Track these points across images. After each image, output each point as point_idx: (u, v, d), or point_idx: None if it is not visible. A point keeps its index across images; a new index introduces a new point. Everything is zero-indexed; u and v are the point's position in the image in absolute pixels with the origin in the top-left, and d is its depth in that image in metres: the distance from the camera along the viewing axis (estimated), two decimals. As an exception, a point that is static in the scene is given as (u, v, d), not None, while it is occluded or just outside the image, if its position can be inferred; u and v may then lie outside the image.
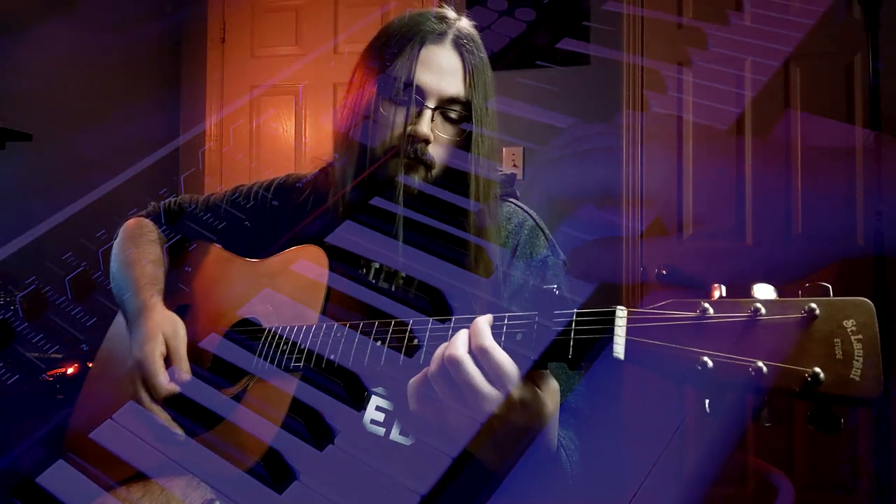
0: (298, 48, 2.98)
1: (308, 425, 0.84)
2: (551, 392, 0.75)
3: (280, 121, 3.00)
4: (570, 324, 0.69)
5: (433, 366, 0.73)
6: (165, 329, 1.02)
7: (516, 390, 0.71)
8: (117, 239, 1.24)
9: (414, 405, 0.75)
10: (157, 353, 0.99)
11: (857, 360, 0.54)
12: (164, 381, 0.97)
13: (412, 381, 0.75)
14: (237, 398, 0.94)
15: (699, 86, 2.49)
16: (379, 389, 0.95)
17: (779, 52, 2.36)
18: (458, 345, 0.71)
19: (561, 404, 0.94)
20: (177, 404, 0.97)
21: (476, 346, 0.70)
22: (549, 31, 2.63)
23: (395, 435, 0.93)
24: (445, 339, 0.76)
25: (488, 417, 0.71)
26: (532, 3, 2.64)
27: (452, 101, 0.99)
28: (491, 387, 0.70)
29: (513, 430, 0.73)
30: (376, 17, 2.81)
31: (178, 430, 0.95)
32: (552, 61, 2.62)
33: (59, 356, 1.95)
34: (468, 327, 0.74)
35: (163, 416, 0.97)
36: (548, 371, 0.75)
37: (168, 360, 1.00)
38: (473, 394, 0.70)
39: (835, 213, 2.31)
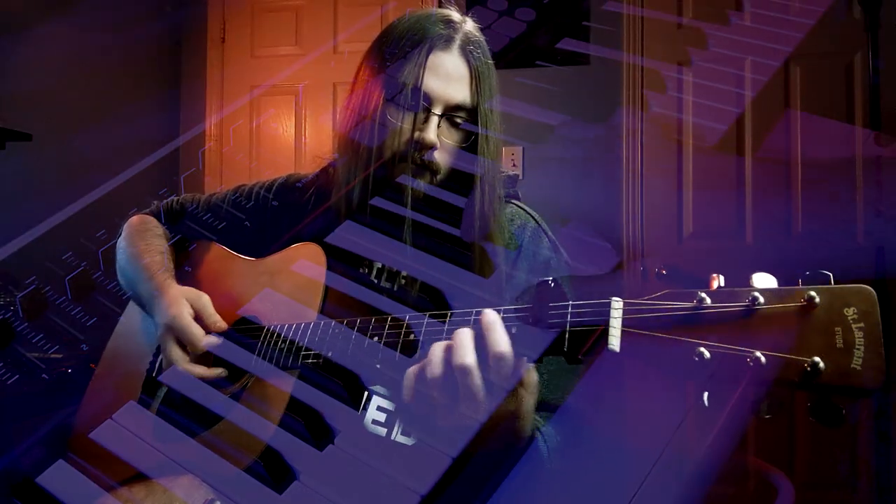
0: (298, 48, 2.98)
1: (308, 425, 0.84)
2: (531, 387, 0.76)
3: (280, 121, 3.00)
4: (565, 316, 0.69)
5: (437, 368, 0.71)
6: (188, 294, 1.04)
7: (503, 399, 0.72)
8: (122, 235, 1.25)
9: (407, 395, 0.74)
10: (185, 312, 1.01)
11: (859, 349, 0.53)
12: (201, 333, 0.99)
13: (410, 370, 0.75)
14: (236, 397, 0.94)
15: (699, 86, 2.49)
16: (380, 389, 0.95)
17: (779, 52, 2.37)
18: (468, 351, 0.69)
19: (559, 406, 0.94)
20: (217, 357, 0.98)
21: (497, 353, 0.68)
22: (549, 31, 2.63)
23: (396, 435, 0.93)
24: (442, 334, 0.76)
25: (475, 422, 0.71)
26: (532, 3, 2.64)
27: (458, 107, 1.00)
28: (485, 398, 0.70)
29: (493, 429, 0.74)
30: (376, 17, 2.81)
31: (222, 372, 0.97)
32: (552, 61, 2.62)
33: (59, 356, 1.95)
34: (467, 326, 0.73)
35: (203, 372, 0.98)
36: (532, 366, 0.75)
37: (198, 319, 1.01)
38: (470, 402, 0.70)
39: (835, 213, 2.31)
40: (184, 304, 1.02)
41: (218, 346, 1.00)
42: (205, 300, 1.03)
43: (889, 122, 1.89)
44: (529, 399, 0.76)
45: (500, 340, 0.69)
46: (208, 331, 1.00)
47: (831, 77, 2.39)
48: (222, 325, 1.01)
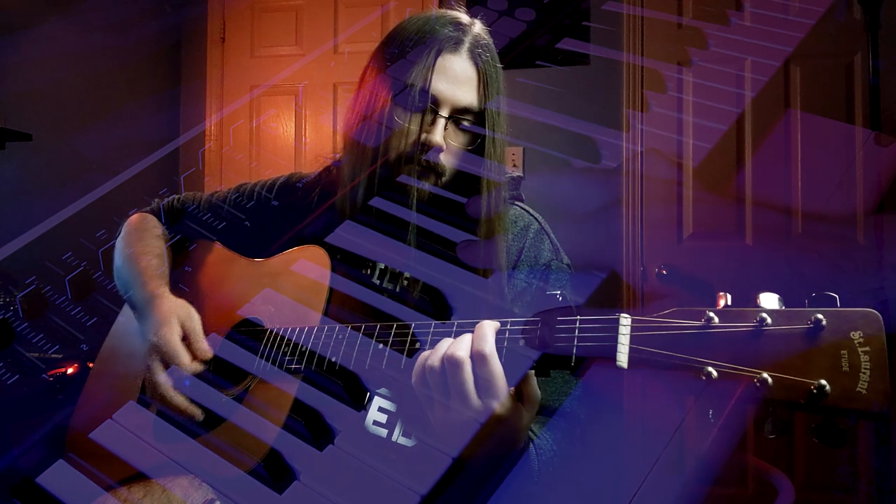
0: (298, 48, 2.98)
1: (308, 425, 0.84)
2: (531, 404, 0.77)
3: (280, 121, 3.00)
4: (573, 331, 0.69)
5: (434, 358, 0.74)
6: (179, 312, 1.03)
7: (500, 406, 0.72)
8: (121, 234, 1.24)
9: (414, 380, 0.76)
10: (174, 334, 1.00)
11: (865, 373, 0.53)
12: (187, 360, 0.98)
13: (422, 356, 0.77)
14: (239, 399, 0.94)
15: (699, 86, 2.49)
16: (382, 391, 0.95)
17: (779, 52, 2.37)
18: (461, 346, 0.72)
19: (557, 409, 0.94)
20: (199, 387, 0.97)
21: (476, 351, 0.71)
22: (549, 31, 2.63)
23: (397, 436, 0.93)
24: (448, 336, 0.76)
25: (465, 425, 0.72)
26: (532, 3, 2.64)
27: (466, 110, 0.99)
28: (477, 398, 0.71)
29: (486, 438, 0.74)
30: (376, 17, 2.81)
31: (197, 413, 0.96)
32: (552, 61, 2.61)
33: (59, 356, 1.95)
34: (471, 331, 0.74)
35: (184, 404, 0.96)
36: (535, 380, 0.75)
37: (186, 342, 1.00)
38: (459, 398, 0.72)
39: (835, 213, 2.31)
40: (174, 324, 1.01)
41: (221, 347, 1.00)
42: (195, 322, 1.02)
43: (889, 122, 1.89)
44: (525, 414, 0.76)
45: (484, 341, 0.71)
46: (194, 357, 0.99)
47: (831, 77, 2.39)
48: (208, 353, 1.00)
